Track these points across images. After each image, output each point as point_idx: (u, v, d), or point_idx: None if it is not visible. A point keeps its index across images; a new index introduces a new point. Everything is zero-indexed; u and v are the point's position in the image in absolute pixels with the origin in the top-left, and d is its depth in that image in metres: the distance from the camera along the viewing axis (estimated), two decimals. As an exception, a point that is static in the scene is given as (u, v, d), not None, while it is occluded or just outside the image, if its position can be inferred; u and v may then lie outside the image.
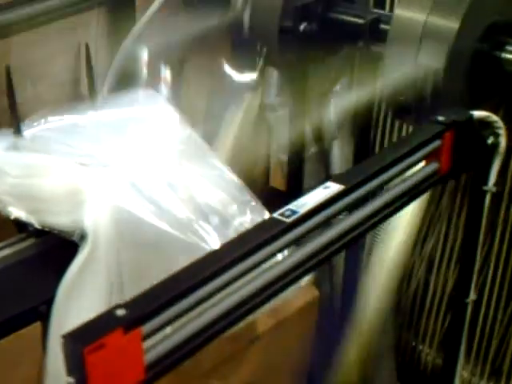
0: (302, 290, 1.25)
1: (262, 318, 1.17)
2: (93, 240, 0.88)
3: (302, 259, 0.77)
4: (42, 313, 0.89)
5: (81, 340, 0.61)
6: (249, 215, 0.99)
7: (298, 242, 0.78)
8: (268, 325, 1.18)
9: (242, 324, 1.07)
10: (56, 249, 0.95)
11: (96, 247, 0.88)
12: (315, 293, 1.27)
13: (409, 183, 0.92)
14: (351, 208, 0.84)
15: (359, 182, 0.85)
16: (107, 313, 0.65)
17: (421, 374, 1.60)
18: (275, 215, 0.79)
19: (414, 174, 0.95)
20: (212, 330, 0.70)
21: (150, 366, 0.67)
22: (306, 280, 1.10)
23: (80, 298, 0.89)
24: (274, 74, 1.31)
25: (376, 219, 0.86)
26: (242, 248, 0.73)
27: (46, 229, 0.93)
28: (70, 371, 0.62)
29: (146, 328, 0.66)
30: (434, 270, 1.53)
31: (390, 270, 1.22)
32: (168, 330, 0.69)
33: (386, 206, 0.87)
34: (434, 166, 0.97)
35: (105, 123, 1.03)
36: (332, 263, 1.40)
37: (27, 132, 0.99)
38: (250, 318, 1.07)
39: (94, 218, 0.88)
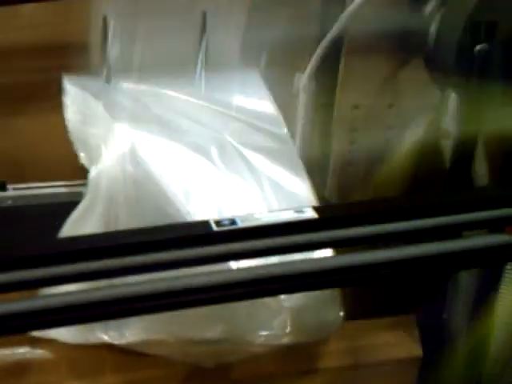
0: (397, 345, 1.08)
1: (327, 354, 1.04)
2: (92, 191, 0.86)
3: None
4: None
5: None
6: None
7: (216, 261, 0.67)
8: (328, 363, 1.05)
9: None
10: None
11: (94, 200, 0.86)
12: (415, 352, 1.08)
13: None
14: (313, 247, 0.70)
15: (342, 216, 0.70)
16: None
17: None
18: (210, 219, 0.69)
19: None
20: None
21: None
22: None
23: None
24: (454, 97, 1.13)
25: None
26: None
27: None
28: None
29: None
30: None
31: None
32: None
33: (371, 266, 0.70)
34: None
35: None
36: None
37: (120, 84, 1.00)
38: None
39: (99, 169, 0.86)
